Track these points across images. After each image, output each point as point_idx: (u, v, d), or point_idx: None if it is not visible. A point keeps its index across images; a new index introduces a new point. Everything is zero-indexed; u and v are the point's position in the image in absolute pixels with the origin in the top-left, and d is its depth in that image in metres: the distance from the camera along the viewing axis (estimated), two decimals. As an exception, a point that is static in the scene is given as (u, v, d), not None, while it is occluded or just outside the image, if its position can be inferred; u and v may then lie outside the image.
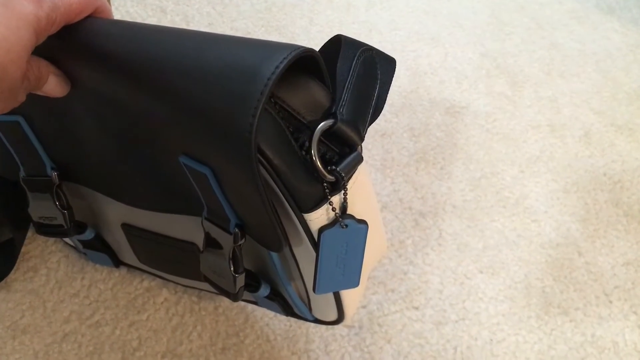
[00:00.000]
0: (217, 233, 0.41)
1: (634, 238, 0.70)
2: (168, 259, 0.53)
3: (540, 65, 0.89)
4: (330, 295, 0.48)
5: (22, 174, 0.49)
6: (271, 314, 0.60)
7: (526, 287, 0.65)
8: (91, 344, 0.57)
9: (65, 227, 0.51)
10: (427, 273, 0.65)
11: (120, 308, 0.59)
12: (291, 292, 0.50)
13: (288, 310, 0.54)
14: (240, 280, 0.43)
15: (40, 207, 0.50)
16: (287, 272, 0.48)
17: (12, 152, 0.47)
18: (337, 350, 0.58)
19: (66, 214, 0.50)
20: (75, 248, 0.62)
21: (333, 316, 0.51)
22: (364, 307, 0.62)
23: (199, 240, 0.45)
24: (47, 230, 0.52)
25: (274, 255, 0.46)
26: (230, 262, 0.42)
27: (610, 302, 0.65)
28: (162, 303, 0.60)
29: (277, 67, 0.31)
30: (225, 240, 0.41)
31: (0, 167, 0.51)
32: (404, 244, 0.67)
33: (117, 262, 0.60)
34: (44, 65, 0.36)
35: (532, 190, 0.74)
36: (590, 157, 0.79)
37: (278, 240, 0.39)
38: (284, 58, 0.31)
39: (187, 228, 0.46)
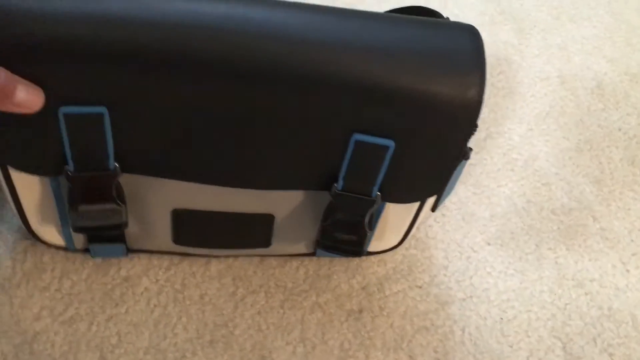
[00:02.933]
0: (352, 200, 0.46)
1: (652, 199, 0.65)
2: (224, 234, 0.52)
3: (549, 9, 0.81)
4: (409, 217, 0.52)
5: (69, 168, 0.42)
6: (262, 300, 0.55)
7: (537, 259, 0.60)
8: (65, 343, 0.52)
9: (123, 223, 0.47)
10: (430, 247, 0.60)
11: (96, 301, 0.54)
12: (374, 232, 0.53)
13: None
14: (371, 235, 0.48)
15: (91, 209, 0.45)
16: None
17: (65, 144, 0.41)
18: (335, 338, 0.54)
19: (124, 208, 0.46)
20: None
21: (395, 241, 0.55)
22: (362, 288, 0.57)
23: (277, 210, 0.49)
24: (102, 235, 0.50)
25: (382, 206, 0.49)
26: (367, 222, 0.47)
27: (628, 271, 0.60)
28: (142, 293, 0.55)
29: (479, 47, 0.39)
30: (363, 204, 0.46)
31: (20, 160, 0.43)
32: (404, 215, 0.62)
33: (127, 250, 0.55)
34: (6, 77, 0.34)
35: (541, 150, 0.68)
36: (603, 111, 0.72)
37: (438, 188, 0.47)
38: (477, 40, 0.40)
39: (267, 202, 0.48)
